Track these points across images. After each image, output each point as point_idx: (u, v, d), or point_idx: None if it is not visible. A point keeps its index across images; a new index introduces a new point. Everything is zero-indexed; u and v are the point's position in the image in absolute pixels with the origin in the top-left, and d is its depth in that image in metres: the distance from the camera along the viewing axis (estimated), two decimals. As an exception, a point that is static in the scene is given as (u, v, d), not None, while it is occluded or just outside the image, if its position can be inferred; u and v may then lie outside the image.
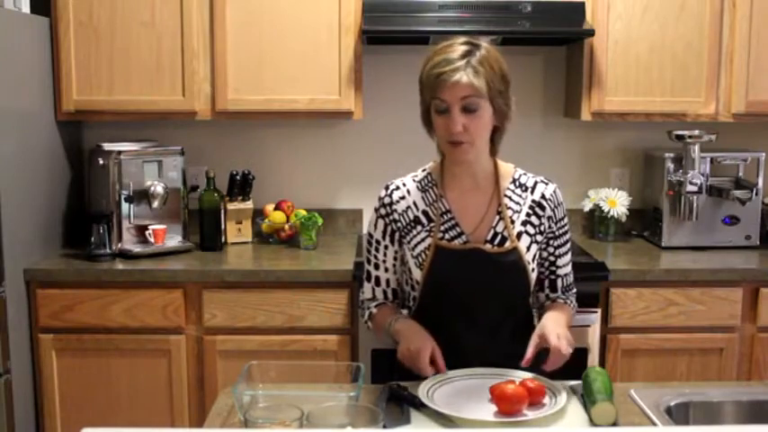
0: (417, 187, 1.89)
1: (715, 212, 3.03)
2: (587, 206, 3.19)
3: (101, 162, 2.87)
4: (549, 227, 1.89)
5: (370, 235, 1.93)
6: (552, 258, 1.93)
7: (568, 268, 1.97)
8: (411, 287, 1.90)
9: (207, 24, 2.90)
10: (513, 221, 1.84)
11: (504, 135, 1.84)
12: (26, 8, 2.81)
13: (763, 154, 3.03)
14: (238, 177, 3.07)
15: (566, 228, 1.94)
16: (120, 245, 2.88)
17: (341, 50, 2.90)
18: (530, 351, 1.73)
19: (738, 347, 2.75)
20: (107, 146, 2.92)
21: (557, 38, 3.12)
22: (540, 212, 1.88)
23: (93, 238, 2.81)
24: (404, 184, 1.91)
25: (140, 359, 2.73)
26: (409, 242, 1.86)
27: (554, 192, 1.91)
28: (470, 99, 1.71)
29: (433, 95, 1.74)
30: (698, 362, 2.75)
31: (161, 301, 2.70)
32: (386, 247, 1.90)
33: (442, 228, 1.83)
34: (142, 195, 2.91)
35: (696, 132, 2.90)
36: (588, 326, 2.65)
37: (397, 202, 1.88)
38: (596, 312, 2.67)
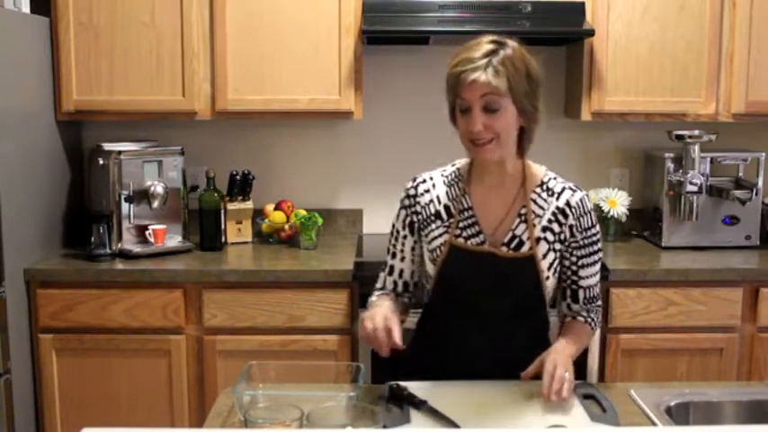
0: (444, 182, 1.87)
1: (715, 212, 3.03)
2: (587, 206, 3.19)
3: (101, 162, 2.87)
4: (572, 235, 1.81)
5: (393, 225, 1.93)
6: (575, 268, 1.84)
7: (593, 280, 1.87)
8: (426, 280, 1.91)
9: (207, 24, 2.90)
10: (534, 226, 1.79)
11: (532, 136, 1.78)
12: (26, 8, 2.81)
13: (763, 154, 3.03)
14: (238, 177, 3.06)
15: (593, 238, 1.83)
16: (120, 245, 2.88)
17: (341, 50, 2.91)
18: (531, 370, 1.71)
19: (738, 347, 2.75)
20: (107, 146, 2.92)
21: (557, 38, 3.11)
22: (563, 220, 1.80)
23: (93, 238, 2.81)
24: (431, 178, 1.90)
25: (140, 359, 2.73)
26: (427, 236, 1.85)
27: (580, 200, 1.82)
28: (490, 97, 1.67)
29: (455, 94, 1.72)
30: (698, 362, 2.75)
31: (161, 301, 2.70)
32: (404, 237, 1.89)
33: (461, 225, 1.81)
34: (142, 195, 2.91)
35: (696, 132, 2.90)
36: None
37: (422, 194, 1.87)
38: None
